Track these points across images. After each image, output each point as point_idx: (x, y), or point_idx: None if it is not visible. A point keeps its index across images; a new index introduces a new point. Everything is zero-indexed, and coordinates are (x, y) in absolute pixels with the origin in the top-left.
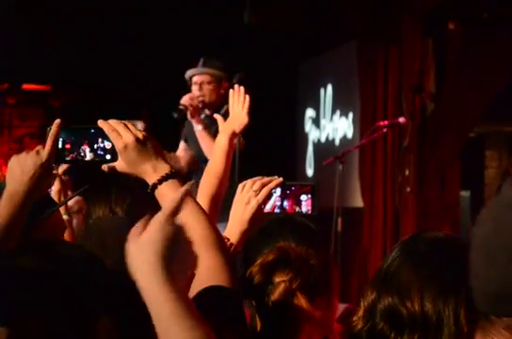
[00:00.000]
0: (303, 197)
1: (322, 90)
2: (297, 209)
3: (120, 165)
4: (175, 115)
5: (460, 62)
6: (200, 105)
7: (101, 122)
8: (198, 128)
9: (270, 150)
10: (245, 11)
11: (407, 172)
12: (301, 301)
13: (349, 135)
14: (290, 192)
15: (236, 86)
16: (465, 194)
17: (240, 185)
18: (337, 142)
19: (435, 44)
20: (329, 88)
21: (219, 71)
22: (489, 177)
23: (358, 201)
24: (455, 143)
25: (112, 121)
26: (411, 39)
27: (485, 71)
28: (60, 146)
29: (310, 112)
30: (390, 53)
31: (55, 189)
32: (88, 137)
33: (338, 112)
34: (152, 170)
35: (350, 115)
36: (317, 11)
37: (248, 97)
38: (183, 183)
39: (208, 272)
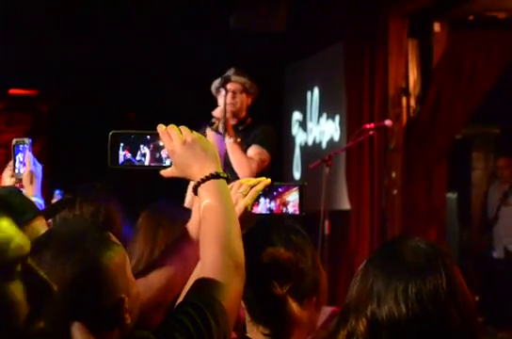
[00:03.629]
0: (291, 197)
1: (309, 93)
2: (284, 210)
3: (170, 170)
4: (210, 128)
5: (446, 64)
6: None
7: (159, 126)
8: (229, 140)
9: None
10: (230, 15)
11: (393, 175)
12: (292, 306)
13: (336, 137)
14: (277, 193)
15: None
16: (452, 196)
17: None
18: (324, 145)
19: (420, 46)
20: (316, 90)
21: (251, 82)
22: (476, 178)
23: (345, 204)
24: (441, 145)
25: (170, 126)
26: (397, 40)
27: (470, 73)
28: (120, 151)
29: (296, 115)
30: (375, 55)
31: (26, 171)
32: (144, 142)
33: (325, 115)
34: (198, 172)
35: (337, 118)
36: (302, 14)
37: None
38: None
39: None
